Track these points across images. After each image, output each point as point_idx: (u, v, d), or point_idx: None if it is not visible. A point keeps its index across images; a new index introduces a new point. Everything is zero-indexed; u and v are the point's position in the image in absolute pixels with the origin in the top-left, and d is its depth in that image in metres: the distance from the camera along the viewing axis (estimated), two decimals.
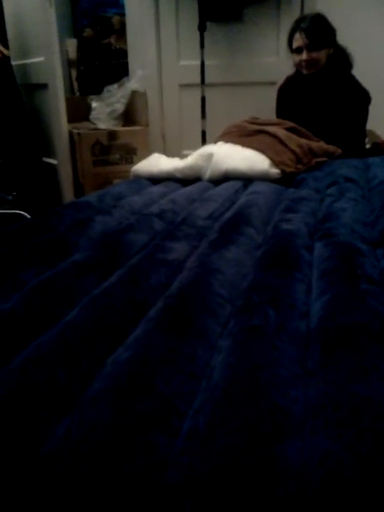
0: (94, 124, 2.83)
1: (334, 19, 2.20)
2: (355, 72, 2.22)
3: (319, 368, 0.62)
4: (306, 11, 2.79)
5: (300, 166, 1.80)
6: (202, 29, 2.78)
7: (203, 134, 2.90)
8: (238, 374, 0.61)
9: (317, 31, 2.13)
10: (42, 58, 2.67)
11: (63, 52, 3.34)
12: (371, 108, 2.19)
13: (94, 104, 2.84)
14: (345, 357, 0.62)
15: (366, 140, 2.27)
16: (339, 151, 1.99)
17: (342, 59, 2.21)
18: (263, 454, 0.49)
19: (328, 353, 0.65)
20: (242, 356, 0.64)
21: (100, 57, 3.45)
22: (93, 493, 0.45)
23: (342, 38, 2.22)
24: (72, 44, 3.54)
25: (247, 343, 0.67)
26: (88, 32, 3.49)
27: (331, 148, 1.99)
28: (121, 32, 3.35)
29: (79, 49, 3.53)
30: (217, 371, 0.63)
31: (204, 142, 2.85)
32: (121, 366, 0.64)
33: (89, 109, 2.86)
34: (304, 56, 2.14)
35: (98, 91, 2.94)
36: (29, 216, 2.49)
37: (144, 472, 0.48)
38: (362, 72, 2.23)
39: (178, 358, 0.65)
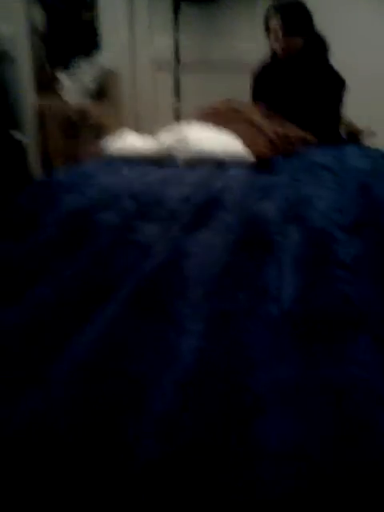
0: (65, 99, 2.74)
1: (312, 5, 2.18)
2: (334, 60, 2.22)
3: (290, 351, 0.62)
4: None
5: (274, 152, 1.79)
6: (176, 6, 2.73)
7: (177, 114, 2.86)
8: (208, 357, 0.60)
9: (293, 15, 2.11)
10: (6, 27, 2.55)
11: (31, 22, 3.21)
12: (350, 98, 2.20)
13: (65, 79, 2.76)
14: (316, 341, 0.63)
15: (342, 128, 2.28)
16: (314, 138, 1.99)
17: (318, 45, 2.20)
18: (233, 435, 0.49)
19: (299, 337, 0.65)
20: (213, 339, 0.64)
21: (70, 29, 3.33)
22: (60, 472, 0.45)
23: (320, 24, 2.21)
24: (40, 14, 3.40)
25: (219, 327, 0.67)
26: (58, 3, 3.36)
27: (306, 135, 1.98)
28: (92, 4, 3.24)
29: (48, 19, 3.40)
30: (187, 354, 0.62)
31: (177, 122, 2.82)
32: (87, 346, 0.63)
33: (57, 81, 2.77)
34: (280, 40, 2.12)
35: (67, 63, 2.84)
36: None
37: (112, 452, 0.47)
38: (340, 60, 2.23)
39: (148, 339, 0.65)
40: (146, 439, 0.49)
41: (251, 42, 2.91)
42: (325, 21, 2.23)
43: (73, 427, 0.49)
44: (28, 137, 2.56)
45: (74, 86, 2.76)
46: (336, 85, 2.16)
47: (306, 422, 0.50)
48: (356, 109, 2.34)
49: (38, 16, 3.36)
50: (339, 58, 2.26)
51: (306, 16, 2.15)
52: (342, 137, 2.25)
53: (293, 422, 0.51)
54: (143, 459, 0.46)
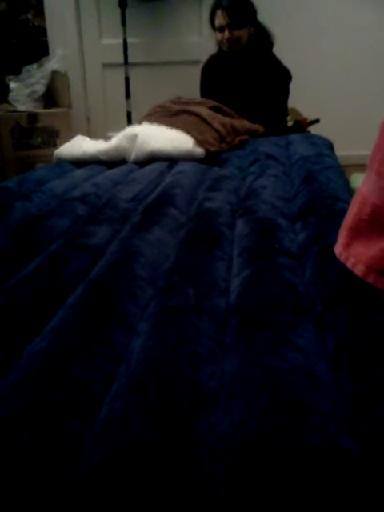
0: (13, 106, 2.69)
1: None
2: (276, 50, 2.26)
3: (235, 343, 0.64)
4: None
5: (223, 145, 1.81)
6: (123, 6, 2.71)
7: (128, 114, 2.85)
8: (155, 356, 0.60)
9: (238, 10, 2.14)
10: None
11: None
12: (295, 86, 2.24)
13: (13, 84, 2.71)
14: (259, 331, 0.64)
15: (288, 118, 2.32)
16: (262, 129, 2.02)
17: (263, 38, 2.23)
18: (178, 433, 0.49)
19: (244, 328, 0.66)
20: (160, 337, 0.64)
21: (17, 33, 3.27)
22: (6, 483, 0.44)
23: (264, 17, 2.24)
24: None
25: (165, 324, 0.67)
26: (2, 6, 3.30)
27: (254, 126, 2.01)
28: (39, 8, 3.19)
29: None
30: (135, 355, 0.62)
31: (129, 123, 2.81)
32: (36, 355, 0.63)
33: (6, 89, 2.72)
34: (226, 34, 2.15)
35: (15, 71, 2.80)
36: None
37: (59, 460, 0.47)
38: (282, 50, 2.27)
39: (95, 343, 0.64)
40: (94, 444, 0.49)
41: (199, 38, 2.92)
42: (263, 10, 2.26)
43: (17, 438, 0.49)
44: None
45: (23, 92, 2.71)
46: (282, 77, 2.20)
47: (251, 411, 0.51)
48: (304, 97, 2.39)
49: None
50: (291, 45, 2.30)
51: (250, 9, 2.18)
52: (288, 126, 2.29)
53: (238, 412, 0.51)
54: (90, 464, 0.47)
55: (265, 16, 2.25)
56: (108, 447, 0.47)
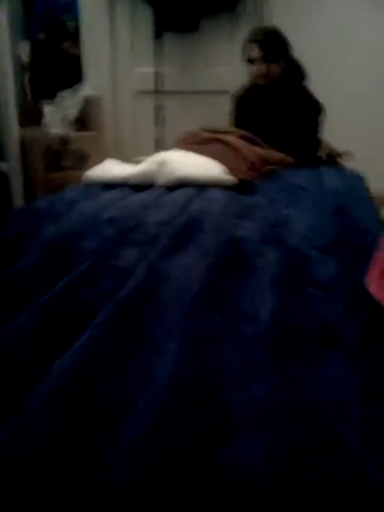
0: (47, 129, 2.77)
1: (289, 32, 2.25)
2: (309, 83, 2.28)
3: (264, 371, 0.63)
4: (261, 24, 2.86)
5: (253, 174, 1.82)
6: (157, 36, 2.79)
7: (157, 141, 2.90)
8: (182, 378, 0.60)
9: (271, 44, 2.18)
10: None
11: (15, 55, 3.26)
12: (326, 119, 2.25)
13: (47, 109, 2.79)
14: (289, 360, 0.63)
15: (319, 150, 2.33)
16: (292, 160, 2.03)
17: (295, 71, 2.26)
18: (205, 456, 0.48)
19: (273, 356, 0.65)
20: (187, 360, 0.64)
21: (54, 61, 3.39)
22: (35, 495, 0.44)
23: (296, 51, 2.28)
24: (25, 47, 3.47)
25: (192, 347, 0.67)
26: (42, 36, 3.43)
27: (285, 157, 2.02)
28: (76, 37, 3.31)
29: (32, 52, 3.46)
30: (162, 376, 0.62)
31: (158, 149, 2.85)
32: (65, 371, 0.63)
33: (41, 114, 2.81)
34: (258, 67, 2.18)
35: (51, 96, 2.89)
36: None
37: (86, 474, 0.47)
38: (315, 83, 2.29)
39: (123, 363, 0.65)
40: (116, 462, 0.49)
41: (230, 69, 2.98)
42: (296, 45, 2.30)
43: (47, 452, 0.49)
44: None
45: (56, 116, 2.79)
46: (313, 109, 2.22)
47: (279, 442, 0.50)
48: (336, 131, 2.41)
49: (24, 50, 3.43)
50: (320, 82, 2.33)
51: (283, 43, 2.22)
52: (320, 159, 2.29)
53: (265, 441, 0.50)
54: (115, 481, 0.46)
55: (297, 50, 2.29)
56: (134, 464, 0.47)
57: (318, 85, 2.31)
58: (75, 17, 3.25)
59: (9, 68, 2.54)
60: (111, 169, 1.90)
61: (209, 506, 0.43)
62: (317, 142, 2.28)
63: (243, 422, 0.54)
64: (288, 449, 0.47)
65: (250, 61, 2.22)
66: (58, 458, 0.49)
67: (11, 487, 0.46)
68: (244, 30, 2.78)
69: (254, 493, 0.44)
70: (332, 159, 2.35)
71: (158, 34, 2.78)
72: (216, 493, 0.44)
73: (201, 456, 0.48)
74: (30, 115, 2.87)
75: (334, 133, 2.43)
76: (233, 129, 2.21)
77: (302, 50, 2.32)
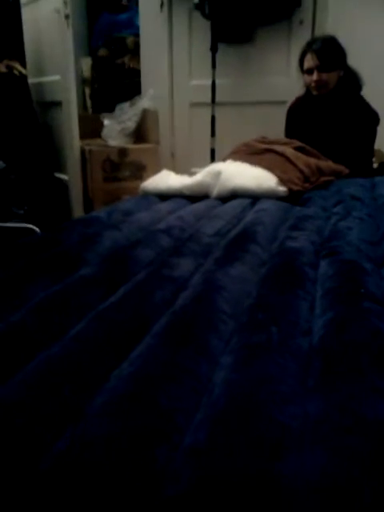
0: (106, 141, 2.87)
1: (345, 41, 2.23)
2: (365, 92, 2.25)
3: (319, 386, 0.63)
4: (317, 34, 2.84)
5: (307, 185, 1.82)
6: (214, 50, 2.83)
7: (212, 152, 2.93)
8: (238, 390, 0.61)
9: (328, 53, 2.16)
10: (57, 77, 2.73)
11: (78, 70, 3.41)
12: (381, 128, 2.21)
13: (106, 121, 2.89)
14: (345, 375, 0.63)
15: (374, 160, 2.29)
16: (347, 171, 2.00)
17: (351, 81, 2.24)
18: (262, 470, 0.49)
19: (329, 371, 0.65)
20: (243, 372, 0.65)
21: (114, 76, 3.52)
22: (92, 507, 0.46)
23: (353, 60, 2.25)
24: (87, 63, 3.62)
25: (248, 360, 0.68)
26: (103, 52, 3.57)
27: (339, 167, 2.00)
28: (135, 52, 3.42)
29: (94, 67, 3.61)
30: (218, 387, 0.63)
31: (213, 160, 2.89)
32: (124, 380, 0.65)
33: (101, 126, 2.92)
34: (315, 77, 2.18)
35: (110, 109, 3.00)
36: (39, 230, 2.53)
37: (143, 485, 0.48)
38: (372, 92, 2.26)
39: (180, 373, 0.66)
40: (175, 472, 0.50)
41: (286, 79, 2.97)
42: (352, 54, 2.26)
43: (104, 461, 0.51)
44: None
45: (115, 128, 2.89)
46: (370, 120, 2.18)
47: (335, 459, 0.50)
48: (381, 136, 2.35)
49: (86, 65, 3.58)
50: (376, 92, 2.29)
51: (340, 52, 2.20)
52: (373, 168, 2.25)
53: (324, 456, 0.51)
54: (173, 493, 0.47)
55: (353, 59, 2.26)
56: (192, 476, 0.48)
57: (374, 94, 2.27)
58: (135, 32, 3.36)
59: (72, 83, 2.65)
60: (167, 180, 1.94)
61: None
62: (371, 153, 2.24)
63: (298, 437, 0.54)
64: (345, 466, 0.48)
65: (306, 70, 2.22)
66: (115, 466, 0.50)
67: (70, 495, 0.47)
68: (300, 39, 2.78)
69: (310, 508, 0.45)
70: None
71: (214, 47, 2.82)
72: (273, 507, 0.45)
73: (258, 470, 0.49)
74: (91, 128, 2.98)
75: None
76: (287, 140, 2.20)
77: (358, 59, 2.29)
